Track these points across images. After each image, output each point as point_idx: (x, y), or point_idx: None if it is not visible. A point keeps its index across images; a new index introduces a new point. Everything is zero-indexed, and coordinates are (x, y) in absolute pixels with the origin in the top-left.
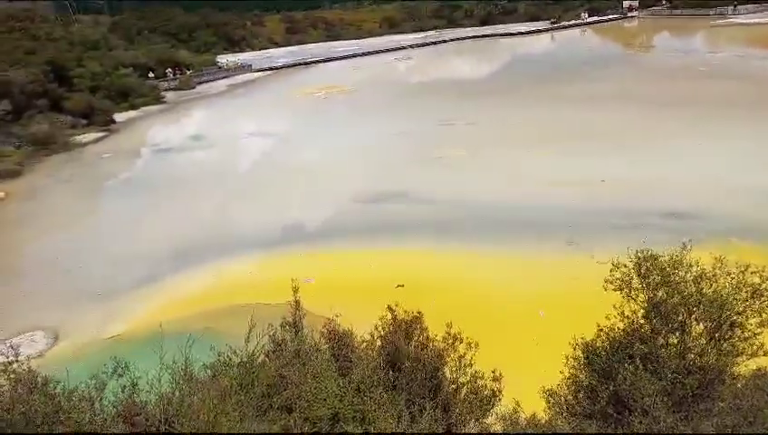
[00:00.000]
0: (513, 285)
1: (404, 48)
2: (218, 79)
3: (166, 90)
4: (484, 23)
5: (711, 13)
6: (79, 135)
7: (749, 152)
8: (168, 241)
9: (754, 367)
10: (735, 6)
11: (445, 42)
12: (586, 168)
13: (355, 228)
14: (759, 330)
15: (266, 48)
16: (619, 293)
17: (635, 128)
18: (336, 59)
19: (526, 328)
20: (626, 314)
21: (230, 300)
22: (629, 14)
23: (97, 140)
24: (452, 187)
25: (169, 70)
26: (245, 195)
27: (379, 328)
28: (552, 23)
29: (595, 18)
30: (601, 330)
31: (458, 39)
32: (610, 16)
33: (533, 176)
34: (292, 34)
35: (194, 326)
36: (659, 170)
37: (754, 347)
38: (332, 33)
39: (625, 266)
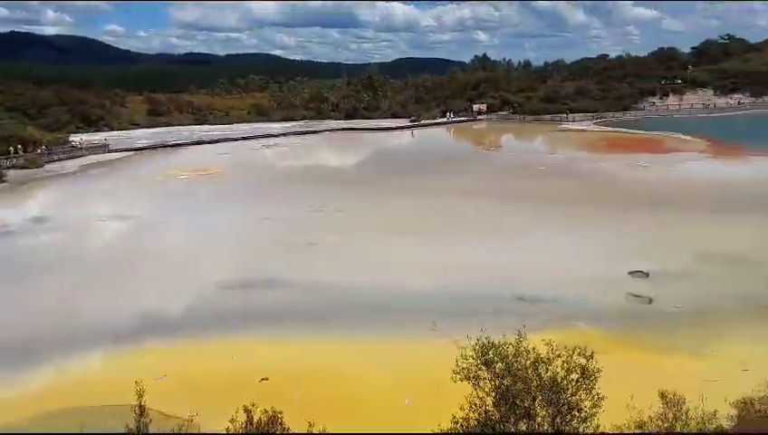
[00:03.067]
0: (381, 372)
1: (273, 136)
2: (72, 158)
3: (8, 168)
4: (349, 116)
5: (549, 118)
6: None
7: (586, 242)
8: None
9: None
10: (568, 115)
11: (313, 132)
12: (448, 255)
13: (219, 318)
14: (594, 410)
15: (127, 129)
16: (467, 382)
17: (489, 218)
18: (203, 143)
19: (392, 418)
20: (476, 403)
21: (70, 402)
22: (479, 117)
23: None
24: (320, 273)
25: (20, 147)
26: (97, 282)
27: (236, 430)
28: (412, 120)
29: (450, 119)
30: (456, 422)
31: (326, 130)
32: (463, 118)
33: (400, 262)
34: (155, 116)
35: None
36: (512, 257)
37: (592, 428)
38: (199, 117)
39: (472, 358)
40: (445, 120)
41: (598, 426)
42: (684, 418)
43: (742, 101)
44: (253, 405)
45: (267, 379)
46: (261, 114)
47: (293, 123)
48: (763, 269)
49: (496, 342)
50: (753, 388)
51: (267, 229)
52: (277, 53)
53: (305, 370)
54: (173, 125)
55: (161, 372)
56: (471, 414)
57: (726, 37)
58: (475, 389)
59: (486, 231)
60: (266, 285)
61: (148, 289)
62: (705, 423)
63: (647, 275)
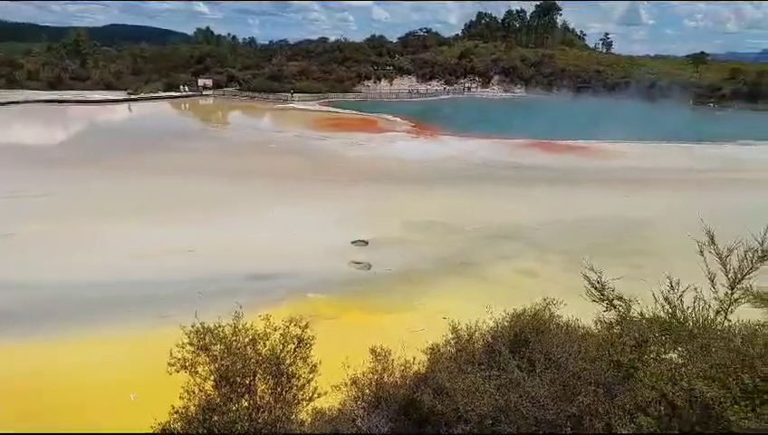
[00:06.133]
0: (100, 371)
1: None
2: None
3: None
4: (52, 86)
5: (275, 97)
6: None
7: (315, 216)
8: None
9: (313, 410)
10: (293, 94)
11: (2, 104)
12: (175, 238)
13: None
14: (311, 376)
15: None
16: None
17: (219, 197)
18: None
19: (116, 417)
20: (195, 390)
21: None
22: (204, 93)
23: None
24: (20, 268)
25: None
26: None
27: None
28: (129, 93)
29: (184, 93)
30: (177, 411)
31: (21, 102)
32: (188, 93)
33: (119, 249)
34: None
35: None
36: (245, 236)
37: (310, 392)
38: None
39: (189, 345)
40: (169, 94)
41: (316, 388)
42: (390, 368)
43: (446, 87)
44: None
45: None
46: None
47: None
48: (457, 234)
49: (212, 325)
50: (446, 334)
51: None
52: None
53: (10, 380)
54: None
55: None
56: (190, 402)
57: (425, 31)
58: (193, 376)
59: (217, 210)
60: None
61: None
62: (405, 369)
63: (366, 243)
